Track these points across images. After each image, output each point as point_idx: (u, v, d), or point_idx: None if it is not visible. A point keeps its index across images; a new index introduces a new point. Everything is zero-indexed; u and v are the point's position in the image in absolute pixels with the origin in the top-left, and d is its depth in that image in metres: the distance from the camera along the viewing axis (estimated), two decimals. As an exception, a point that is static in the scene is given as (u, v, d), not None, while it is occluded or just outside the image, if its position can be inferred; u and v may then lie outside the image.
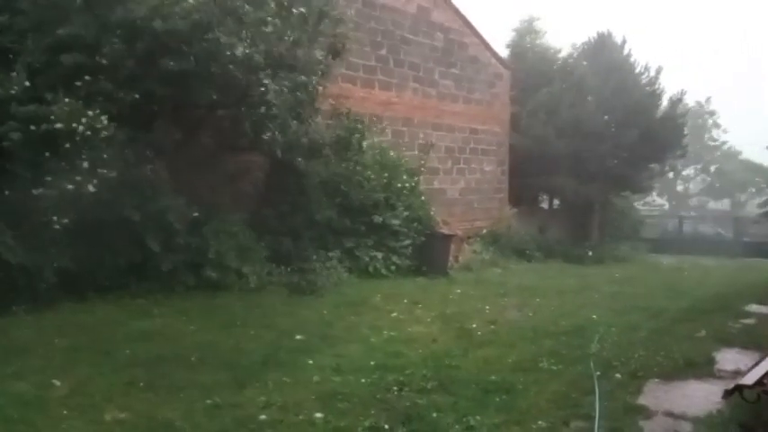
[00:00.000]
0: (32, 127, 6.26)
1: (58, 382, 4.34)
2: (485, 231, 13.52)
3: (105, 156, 6.69)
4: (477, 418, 3.90)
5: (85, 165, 6.49)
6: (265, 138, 8.20)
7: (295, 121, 8.56)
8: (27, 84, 6.49)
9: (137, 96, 6.98)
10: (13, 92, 6.39)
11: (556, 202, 19.25)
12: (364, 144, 9.96)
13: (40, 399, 4.04)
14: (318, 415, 3.90)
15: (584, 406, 4.11)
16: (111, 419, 3.77)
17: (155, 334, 5.75)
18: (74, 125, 6.31)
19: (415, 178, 10.66)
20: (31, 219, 6.49)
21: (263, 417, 3.87)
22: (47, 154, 6.40)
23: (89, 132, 6.43)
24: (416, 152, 12.18)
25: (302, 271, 8.51)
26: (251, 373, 4.72)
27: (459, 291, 8.64)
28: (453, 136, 13.88)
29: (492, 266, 11.51)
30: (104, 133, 6.56)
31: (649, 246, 19.62)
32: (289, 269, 8.65)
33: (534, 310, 7.59)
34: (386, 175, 9.95)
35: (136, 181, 7.48)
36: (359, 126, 10.02)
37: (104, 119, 6.50)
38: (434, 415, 3.94)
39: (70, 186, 6.33)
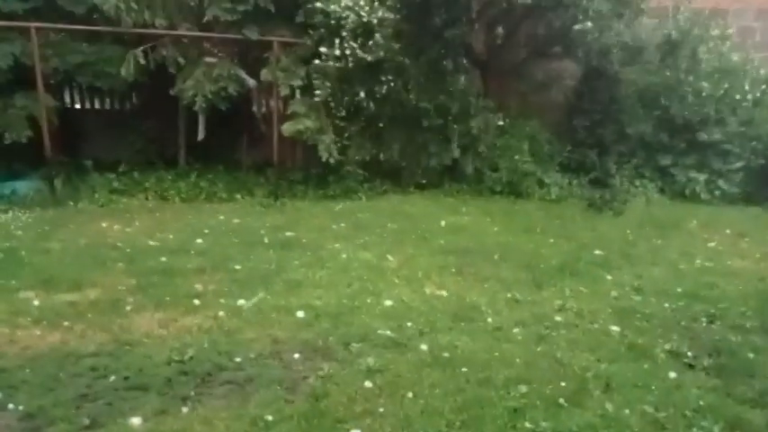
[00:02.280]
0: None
1: (390, 257, 5.37)
2: None
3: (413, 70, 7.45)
4: (809, 370, 3.39)
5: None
6: (580, 42, 7.83)
7: (616, 22, 7.88)
8: None
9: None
10: None
11: None
12: (700, 49, 8.55)
13: (378, 267, 5.09)
14: (614, 328, 3.95)
15: None
16: (430, 293, 4.53)
17: (463, 229, 6.46)
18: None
19: (763, 87, 8.75)
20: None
21: (558, 318, 4.11)
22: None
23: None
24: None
25: (606, 186, 8.19)
26: (548, 277, 4.96)
27: (806, 227, 7.12)
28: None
29: None
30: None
31: None
32: (592, 183, 8.43)
33: None
34: (724, 85, 8.41)
35: (448, 86, 8.15)
36: (694, 26, 8.61)
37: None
38: (750, 355, 3.57)
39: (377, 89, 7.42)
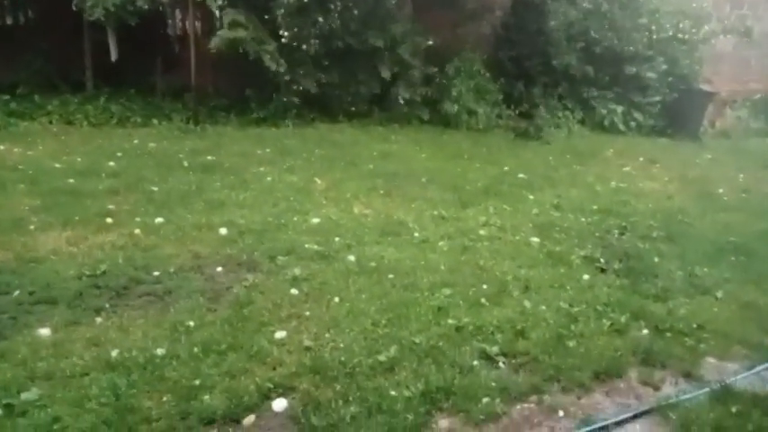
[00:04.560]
0: None
1: (318, 180, 5.26)
2: (758, 96, 11.24)
3: None
4: (705, 269, 3.69)
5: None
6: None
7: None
8: None
9: None
10: None
11: None
12: None
13: (306, 189, 4.98)
14: (534, 239, 4.11)
15: None
16: (358, 212, 4.50)
17: (392, 155, 6.42)
18: None
19: (695, 29, 9.05)
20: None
21: (482, 232, 4.21)
22: None
23: None
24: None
25: (531, 116, 8.36)
26: (473, 197, 5.06)
27: (708, 156, 7.64)
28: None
29: (758, 137, 9.75)
30: None
31: None
32: (518, 113, 8.58)
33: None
34: (661, 22, 8.63)
35: (378, 11, 7.86)
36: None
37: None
38: (656, 259, 3.84)
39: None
